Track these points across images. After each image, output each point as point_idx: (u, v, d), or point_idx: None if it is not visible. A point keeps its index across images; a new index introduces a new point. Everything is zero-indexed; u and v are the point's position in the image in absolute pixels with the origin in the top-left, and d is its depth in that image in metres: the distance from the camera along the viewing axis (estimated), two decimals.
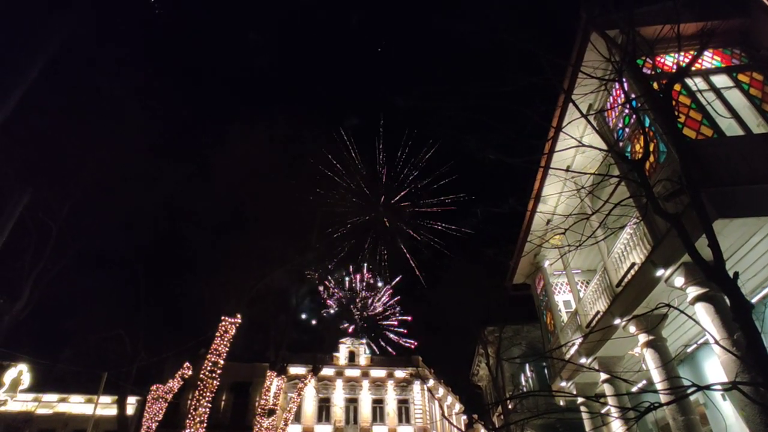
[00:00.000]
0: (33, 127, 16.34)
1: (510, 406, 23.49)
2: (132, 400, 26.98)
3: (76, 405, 29.14)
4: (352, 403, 33.66)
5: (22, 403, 26.94)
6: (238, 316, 18.65)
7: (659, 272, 7.74)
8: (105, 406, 26.45)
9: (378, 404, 33.82)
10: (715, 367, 9.12)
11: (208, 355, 17.83)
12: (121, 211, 19.95)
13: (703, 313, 6.89)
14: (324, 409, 33.15)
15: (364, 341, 37.24)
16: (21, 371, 16.03)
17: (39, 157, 17.60)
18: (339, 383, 34.00)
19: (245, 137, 22.90)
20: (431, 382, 35.30)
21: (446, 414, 35.58)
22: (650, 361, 8.79)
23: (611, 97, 9.66)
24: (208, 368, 17.61)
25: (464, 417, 40.85)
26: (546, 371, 23.89)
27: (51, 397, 28.89)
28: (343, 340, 36.62)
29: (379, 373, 34.83)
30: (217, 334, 18.04)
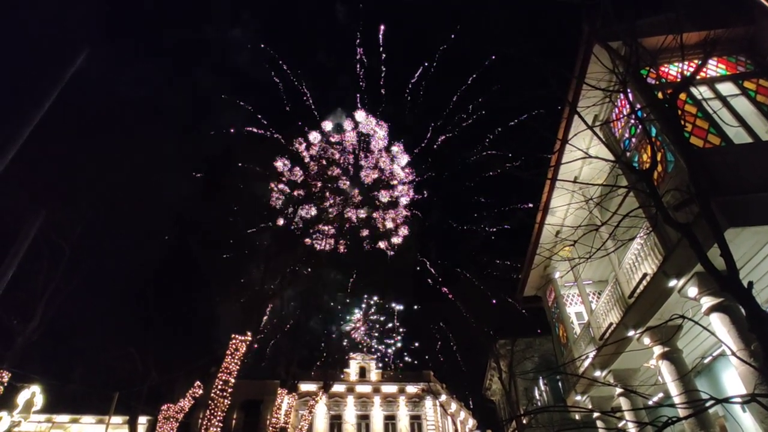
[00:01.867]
0: (46, 151, 16.69)
1: (524, 422, 23.09)
2: (143, 420, 26.87)
3: (88, 426, 29.06)
4: (363, 419, 33.26)
5: (35, 424, 26.94)
6: (249, 333, 18.61)
7: (672, 283, 7.65)
8: (116, 427, 26.35)
9: (390, 420, 33.38)
10: (734, 378, 8.93)
11: (219, 374, 17.75)
12: (131, 231, 20.20)
13: (719, 323, 6.78)
14: (335, 427, 32.78)
15: (375, 356, 36.94)
16: (34, 393, 16.07)
17: (52, 180, 17.94)
18: (350, 400, 33.66)
19: (252, 153, 23.19)
20: (443, 397, 34.80)
21: (459, 430, 35.00)
22: (666, 374, 8.63)
23: (616, 108, 9.67)
24: (219, 387, 17.52)
25: None
26: (560, 385, 23.48)
27: (63, 418, 28.87)
28: (353, 355, 36.36)
29: (390, 388, 34.45)
30: (228, 352, 17.99)
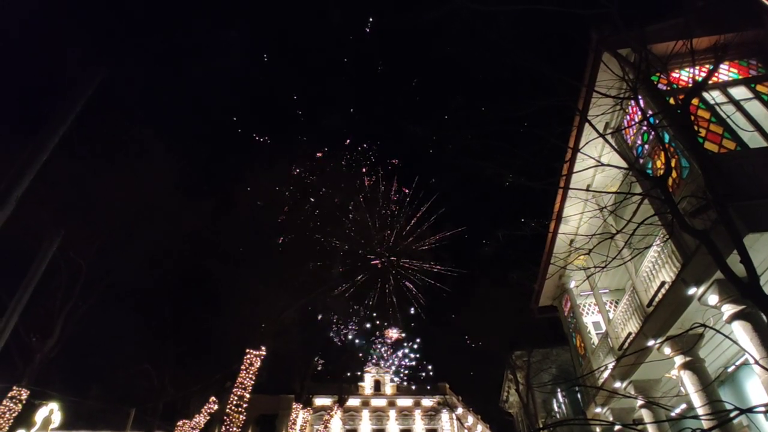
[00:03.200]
0: (64, 170, 17.04)
1: None
2: None
3: None
4: None
5: None
6: (263, 348, 18.65)
7: (691, 290, 7.50)
8: None
9: None
10: (758, 387, 8.68)
11: (234, 389, 17.78)
12: (147, 248, 20.44)
13: (741, 331, 6.62)
14: None
15: (389, 369, 36.66)
16: (52, 410, 16.24)
17: (70, 199, 18.30)
18: (365, 414, 33.36)
19: (265, 171, 23.48)
20: (460, 410, 34.30)
21: None
22: (689, 384, 8.42)
23: (628, 115, 9.62)
24: (234, 402, 17.53)
25: None
26: (579, 396, 23.02)
27: None
28: (367, 368, 36.13)
29: (405, 402, 34.09)
30: (242, 367, 18.03)
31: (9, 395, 15.64)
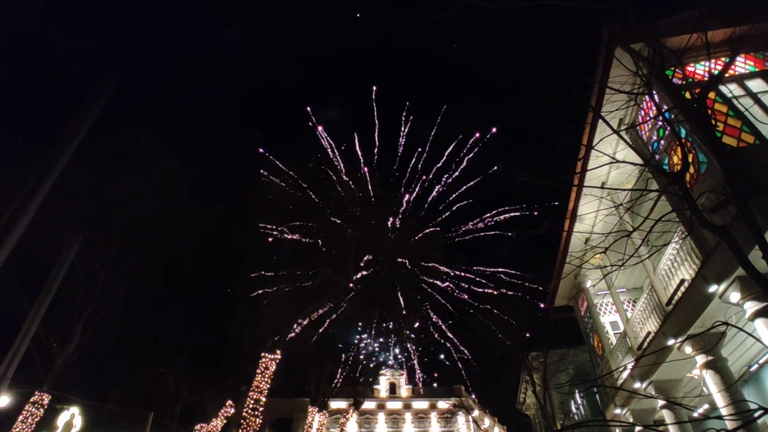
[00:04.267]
0: (80, 179, 17.37)
1: None
2: None
3: None
4: None
5: None
6: (278, 352, 18.71)
7: (712, 288, 7.35)
8: None
9: None
10: None
11: (250, 393, 17.85)
12: (162, 254, 20.70)
13: (765, 329, 6.47)
14: None
15: (404, 372, 36.52)
16: (73, 414, 16.50)
17: (86, 207, 18.64)
18: (381, 417, 33.28)
19: (277, 175, 23.65)
20: (476, 412, 34.04)
21: None
22: (711, 384, 8.24)
23: (642, 111, 9.47)
24: (251, 406, 17.61)
25: None
26: (598, 398, 22.68)
27: None
28: (383, 371, 36.06)
29: (421, 404, 33.93)
30: (258, 371, 18.10)
31: (31, 400, 15.91)
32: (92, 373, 26.81)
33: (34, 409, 15.74)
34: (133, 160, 20.08)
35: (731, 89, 8.27)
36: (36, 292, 12.35)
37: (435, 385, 41.83)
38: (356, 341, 34.77)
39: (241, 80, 66.50)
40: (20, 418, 15.59)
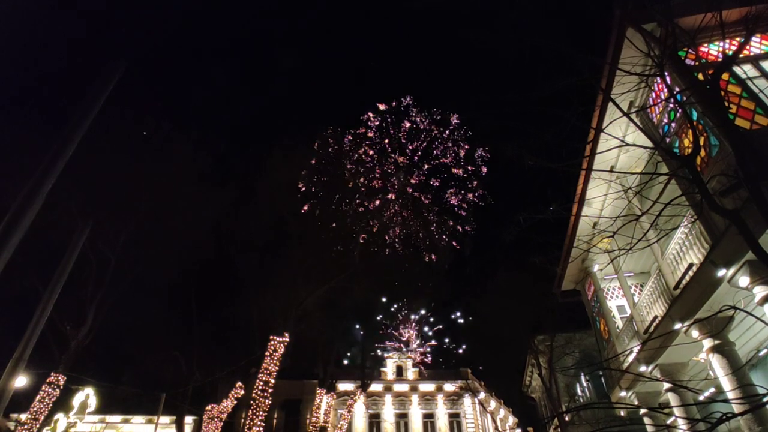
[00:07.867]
0: (89, 165, 17.48)
1: (567, 419, 22.53)
2: (189, 420, 27.84)
3: (139, 426, 30.34)
4: (402, 418, 33.28)
5: (90, 424, 28.32)
6: (286, 334, 18.97)
7: (721, 272, 7.30)
8: (165, 426, 27.42)
9: (429, 419, 33.26)
10: None
11: (259, 375, 18.18)
12: (172, 238, 20.90)
13: None
14: (374, 425, 32.94)
15: (411, 355, 36.90)
16: (88, 395, 16.95)
17: (96, 193, 18.82)
18: (388, 398, 33.75)
19: (284, 159, 23.65)
20: (482, 395, 34.40)
21: (499, 428, 34.54)
22: (718, 368, 8.24)
23: (653, 93, 9.30)
24: (260, 387, 17.94)
25: (518, 430, 39.49)
26: (603, 381, 22.81)
27: (115, 418, 30.24)
28: (389, 354, 36.46)
29: (428, 387, 34.35)
30: (267, 353, 18.40)
31: (47, 381, 16.35)
32: (106, 356, 27.44)
33: (50, 390, 16.18)
34: (142, 146, 20.18)
35: (746, 70, 8.07)
36: (50, 278, 12.61)
37: (440, 363, 42.37)
38: (364, 323, 35.15)
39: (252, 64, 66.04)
40: (38, 397, 16.06)
